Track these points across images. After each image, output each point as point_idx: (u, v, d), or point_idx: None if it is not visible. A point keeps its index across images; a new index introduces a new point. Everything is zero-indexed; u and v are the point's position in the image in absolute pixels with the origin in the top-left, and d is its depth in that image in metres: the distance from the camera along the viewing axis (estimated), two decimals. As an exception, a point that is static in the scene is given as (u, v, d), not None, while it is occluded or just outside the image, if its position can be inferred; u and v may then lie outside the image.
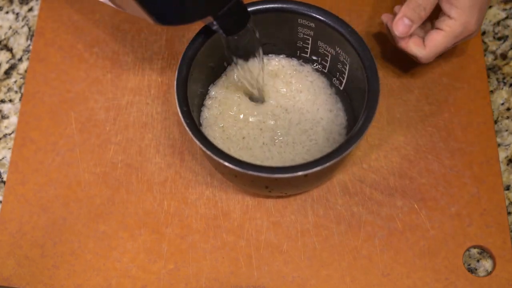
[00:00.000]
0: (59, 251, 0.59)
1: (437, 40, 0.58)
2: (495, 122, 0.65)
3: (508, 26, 0.69)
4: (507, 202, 0.61)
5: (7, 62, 0.68)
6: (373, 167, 0.62)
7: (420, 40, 0.59)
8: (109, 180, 0.62)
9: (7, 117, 0.66)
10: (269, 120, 0.61)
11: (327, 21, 0.57)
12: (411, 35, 0.59)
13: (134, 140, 0.63)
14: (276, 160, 0.60)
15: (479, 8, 0.57)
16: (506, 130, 0.64)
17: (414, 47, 0.59)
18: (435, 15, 0.60)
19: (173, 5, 0.48)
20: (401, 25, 0.58)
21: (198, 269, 0.58)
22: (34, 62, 0.67)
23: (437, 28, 0.58)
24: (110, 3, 0.52)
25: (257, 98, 0.62)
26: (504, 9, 0.70)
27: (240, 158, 0.52)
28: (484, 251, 0.59)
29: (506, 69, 0.67)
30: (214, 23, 0.52)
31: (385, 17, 0.62)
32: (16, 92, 0.67)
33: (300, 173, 0.51)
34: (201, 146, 0.53)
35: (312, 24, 0.58)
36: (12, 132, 0.65)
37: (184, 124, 0.53)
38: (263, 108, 0.62)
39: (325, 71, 0.63)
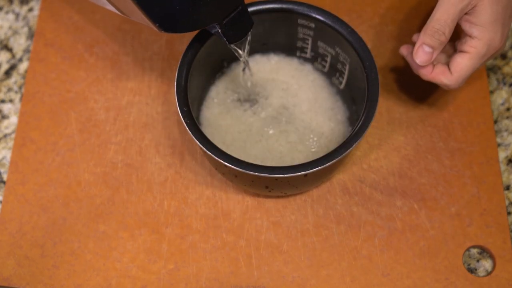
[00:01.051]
0: (59, 251, 0.59)
1: (463, 63, 0.54)
2: (495, 122, 0.65)
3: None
4: (507, 202, 0.61)
5: (7, 62, 0.68)
6: (373, 167, 0.62)
7: (445, 67, 0.55)
8: (109, 180, 0.62)
9: (7, 117, 0.66)
10: (270, 120, 0.61)
11: (327, 21, 0.57)
12: (434, 64, 0.56)
13: (134, 140, 0.63)
14: (276, 159, 0.60)
15: (502, 23, 0.53)
16: (506, 130, 0.64)
17: (441, 76, 0.55)
18: (455, 36, 0.57)
19: (177, 13, 0.48)
20: (421, 53, 0.54)
21: (198, 269, 0.58)
22: (34, 62, 0.67)
23: (461, 51, 0.54)
24: (115, 10, 0.52)
25: (251, 98, 0.62)
26: (504, 9, 0.70)
27: (240, 158, 0.52)
28: (484, 251, 0.59)
29: (506, 69, 0.67)
30: (218, 30, 0.52)
31: (404, 50, 0.59)
32: (16, 92, 0.67)
33: (300, 173, 0.51)
34: (201, 146, 0.53)
35: (312, 24, 0.58)
36: (12, 132, 0.65)
37: (184, 124, 0.53)
38: (263, 108, 0.62)
39: (325, 71, 0.63)
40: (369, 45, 0.67)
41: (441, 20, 0.52)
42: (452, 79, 0.55)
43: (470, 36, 0.54)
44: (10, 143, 0.64)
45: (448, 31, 0.53)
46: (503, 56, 0.68)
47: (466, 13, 0.53)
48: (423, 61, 0.54)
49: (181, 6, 0.47)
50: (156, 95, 0.65)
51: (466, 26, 0.54)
